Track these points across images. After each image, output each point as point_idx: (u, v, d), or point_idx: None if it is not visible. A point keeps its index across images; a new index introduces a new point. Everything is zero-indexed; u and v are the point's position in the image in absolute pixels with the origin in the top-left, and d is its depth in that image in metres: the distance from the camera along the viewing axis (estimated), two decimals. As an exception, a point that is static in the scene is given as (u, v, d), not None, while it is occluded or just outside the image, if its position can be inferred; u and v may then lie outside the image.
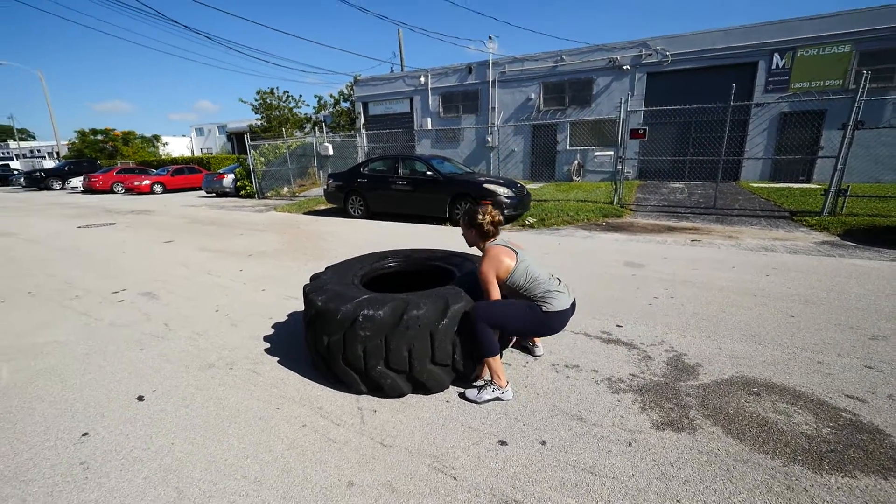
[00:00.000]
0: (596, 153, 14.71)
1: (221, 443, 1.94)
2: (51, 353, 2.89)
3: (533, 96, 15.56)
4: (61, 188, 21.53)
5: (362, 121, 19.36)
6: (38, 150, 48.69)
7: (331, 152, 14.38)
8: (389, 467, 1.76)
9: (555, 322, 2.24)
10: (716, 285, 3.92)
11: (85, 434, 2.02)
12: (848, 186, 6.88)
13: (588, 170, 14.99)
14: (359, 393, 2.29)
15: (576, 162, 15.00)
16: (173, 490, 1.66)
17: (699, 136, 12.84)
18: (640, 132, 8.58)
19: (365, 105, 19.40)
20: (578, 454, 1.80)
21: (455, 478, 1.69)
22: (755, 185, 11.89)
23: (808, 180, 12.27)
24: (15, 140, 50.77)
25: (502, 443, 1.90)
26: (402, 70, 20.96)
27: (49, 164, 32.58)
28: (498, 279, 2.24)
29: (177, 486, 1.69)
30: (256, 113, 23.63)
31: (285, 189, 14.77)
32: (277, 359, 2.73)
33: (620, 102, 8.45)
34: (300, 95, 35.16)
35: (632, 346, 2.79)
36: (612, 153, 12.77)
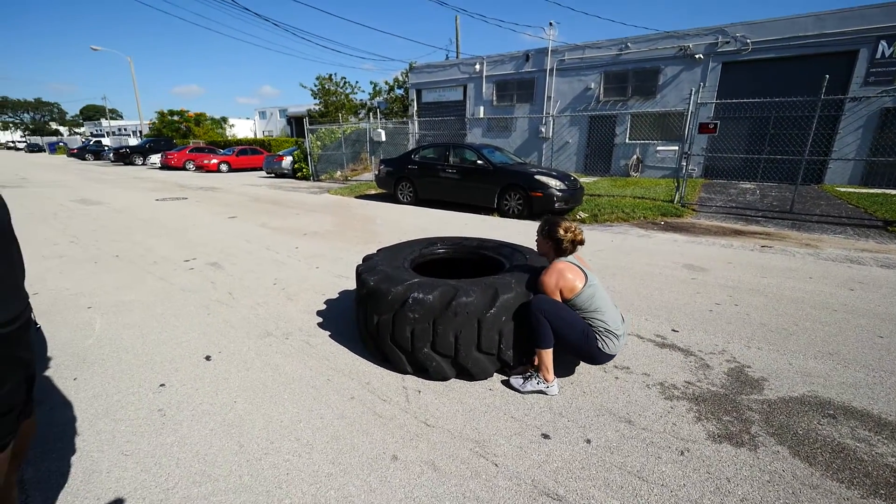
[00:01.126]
0: (658, 148, 13.85)
1: (277, 406, 2.08)
2: (134, 311, 3.22)
3: (592, 86, 14.86)
4: (142, 163, 23.73)
5: (415, 108, 19.51)
6: (125, 129, 53.83)
7: (383, 138, 14.66)
8: (432, 446, 1.80)
9: (601, 360, 2.16)
10: (788, 296, 3.59)
11: (162, 385, 2.24)
12: (961, 195, 5.98)
13: (647, 165, 14.16)
14: (404, 373, 2.36)
15: (634, 156, 14.22)
16: (235, 444, 1.81)
17: (778, 133, 11.67)
18: (711, 126, 7.94)
19: (418, 92, 19.51)
20: (625, 456, 1.74)
21: (496, 465, 1.70)
22: (842, 189, 10.66)
23: (909, 187, 10.80)
24: (107, 119, 56.48)
25: (545, 436, 1.88)
26: (457, 57, 20.81)
27: (133, 141, 35.95)
28: (561, 296, 2.14)
29: (238, 440, 1.83)
30: (315, 98, 24.52)
31: (338, 173, 15.29)
32: (329, 333, 2.86)
33: (690, 94, 7.86)
34: (356, 82, 35.87)
35: (688, 352, 2.64)
36: (675, 148, 11.98)
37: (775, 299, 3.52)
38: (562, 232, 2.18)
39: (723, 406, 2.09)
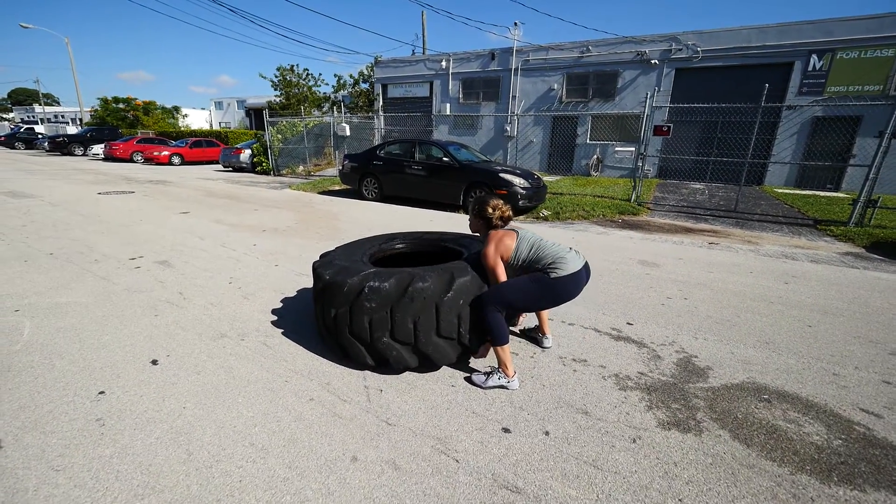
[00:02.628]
0: (616, 148, 14.42)
1: (230, 410, 1.98)
2: (71, 314, 2.97)
3: (555, 87, 15.23)
4: (83, 154, 21.91)
5: (380, 103, 19.22)
6: (62, 116, 49.52)
7: (348, 133, 14.34)
8: (393, 445, 1.78)
9: (569, 287, 2.16)
10: (731, 289, 3.84)
11: (101, 392, 2.08)
12: (879, 197, 6.63)
13: (607, 165, 14.72)
14: (364, 366, 2.32)
15: (595, 156, 14.73)
16: (183, 451, 1.71)
17: (725, 137, 12.47)
18: (664, 129, 8.35)
19: (384, 87, 19.23)
20: (582, 447, 1.80)
21: (457, 461, 1.71)
22: (780, 190, 11.55)
23: (836, 189, 11.87)
24: (40, 104, 51.70)
25: (505, 430, 1.90)
26: (423, 53, 20.67)
27: (72, 129, 33.14)
28: (503, 261, 2.25)
29: (187, 448, 1.73)
30: (276, 89, 23.56)
31: (301, 167, 14.82)
32: (288, 333, 2.77)
33: (646, 97, 8.22)
34: (320, 74, 34.90)
35: (642, 344, 2.76)
36: (632, 149, 12.52)
37: (720, 292, 3.75)
38: (490, 210, 2.32)
39: (672, 394, 2.21)
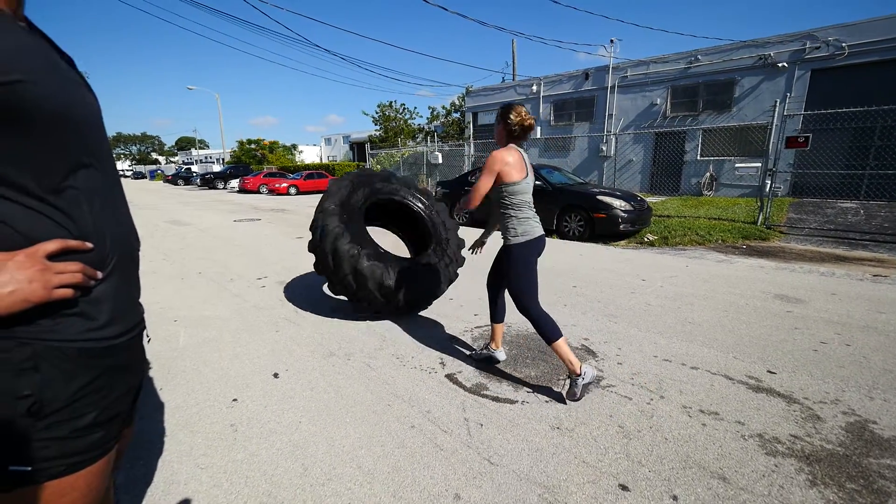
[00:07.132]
0: (737, 164, 12.77)
1: (340, 429, 2.08)
2: (213, 326, 3.46)
3: (658, 101, 14.19)
4: (223, 187, 26.29)
5: (471, 130, 19.84)
6: (210, 157, 60.37)
7: (440, 161, 14.99)
8: (497, 488, 1.68)
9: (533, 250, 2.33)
10: (917, 336, 3.02)
11: (234, 400, 2.35)
12: None
13: (723, 183, 13.09)
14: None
15: (707, 174, 13.23)
16: (300, 466, 1.82)
17: (888, 145, 10.26)
18: (801, 140, 7.17)
19: (474, 115, 19.86)
20: (723, 523, 1.50)
21: (569, 517, 1.54)
22: (973, 208, 9.05)
23: None
24: (196, 148, 63.88)
25: (623, 487, 1.68)
26: (513, 79, 20.98)
27: (217, 167, 40.14)
28: (499, 180, 2.26)
29: (303, 462, 1.84)
30: (376, 124, 25.89)
31: (396, 194, 15.83)
32: (389, 355, 2.86)
33: (775, 105, 7.19)
34: (415, 107, 37.60)
35: (791, 399, 2.28)
36: (757, 165, 10.96)
37: (900, 340, 2.97)
38: (514, 115, 2.29)
39: (844, 469, 1.76)
